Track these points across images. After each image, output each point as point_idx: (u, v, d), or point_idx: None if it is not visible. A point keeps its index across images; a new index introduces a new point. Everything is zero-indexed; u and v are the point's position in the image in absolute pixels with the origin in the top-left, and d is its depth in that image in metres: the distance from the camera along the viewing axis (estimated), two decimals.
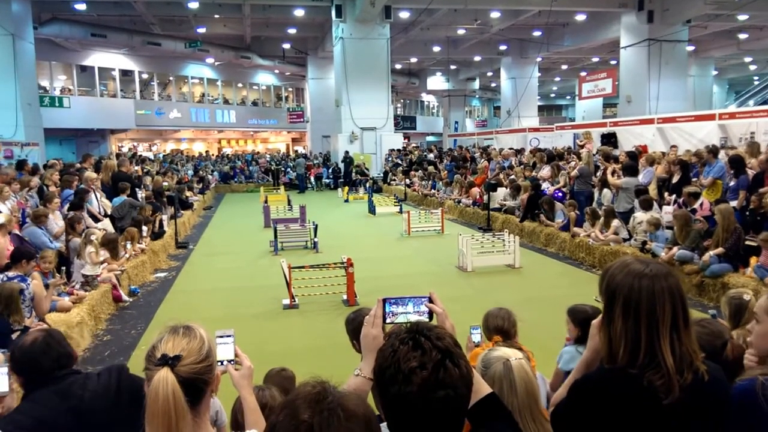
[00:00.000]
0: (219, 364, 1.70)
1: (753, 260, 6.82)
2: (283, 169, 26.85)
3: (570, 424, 1.66)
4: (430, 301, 1.60)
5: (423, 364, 1.19)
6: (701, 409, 1.52)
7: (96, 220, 9.26)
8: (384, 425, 1.28)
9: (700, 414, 1.52)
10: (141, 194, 11.58)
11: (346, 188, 21.41)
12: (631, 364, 1.52)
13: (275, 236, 10.82)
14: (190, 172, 23.82)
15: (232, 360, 1.77)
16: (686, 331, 1.53)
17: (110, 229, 9.09)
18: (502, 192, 13.62)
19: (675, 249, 7.64)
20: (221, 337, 1.76)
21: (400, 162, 23.84)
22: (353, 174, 23.44)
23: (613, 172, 10.50)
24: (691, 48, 26.27)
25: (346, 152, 24.00)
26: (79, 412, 2.01)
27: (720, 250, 7.06)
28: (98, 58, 29.01)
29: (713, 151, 9.60)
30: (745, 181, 8.34)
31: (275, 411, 1.08)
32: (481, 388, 1.44)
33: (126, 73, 31.02)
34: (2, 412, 2.18)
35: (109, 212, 9.79)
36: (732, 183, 8.67)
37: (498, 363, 1.89)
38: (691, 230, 7.64)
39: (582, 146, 14.38)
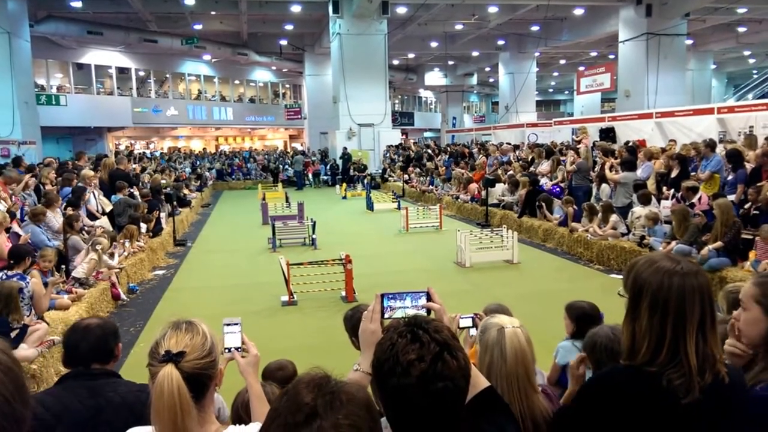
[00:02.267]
0: (226, 351, 1.71)
1: (752, 254, 6.83)
2: (281, 166, 26.81)
3: (578, 425, 1.63)
4: (428, 296, 1.60)
5: (421, 356, 1.19)
6: (719, 411, 1.50)
7: (94, 218, 9.26)
8: (383, 419, 1.28)
9: (718, 416, 1.50)
10: (134, 192, 11.52)
11: (344, 185, 21.38)
12: (651, 362, 1.50)
13: (273, 233, 10.82)
14: (188, 170, 23.79)
15: (239, 348, 1.79)
16: (712, 332, 1.51)
17: (108, 227, 9.08)
18: (500, 188, 13.62)
19: (673, 243, 7.64)
20: (229, 325, 1.78)
21: (396, 158, 23.79)
22: (351, 170, 23.42)
23: (611, 167, 10.49)
24: (689, 42, 26.24)
25: (344, 149, 23.96)
26: (103, 412, 2.01)
27: (719, 244, 7.07)
28: (95, 56, 28.88)
29: (710, 144, 9.57)
30: (743, 175, 8.33)
31: (277, 397, 1.08)
32: (479, 381, 1.44)
33: (122, 71, 30.89)
34: None
35: (107, 210, 9.77)
36: (730, 177, 8.67)
37: (493, 329, 1.90)
38: (689, 225, 7.65)
39: (579, 141, 14.38)
